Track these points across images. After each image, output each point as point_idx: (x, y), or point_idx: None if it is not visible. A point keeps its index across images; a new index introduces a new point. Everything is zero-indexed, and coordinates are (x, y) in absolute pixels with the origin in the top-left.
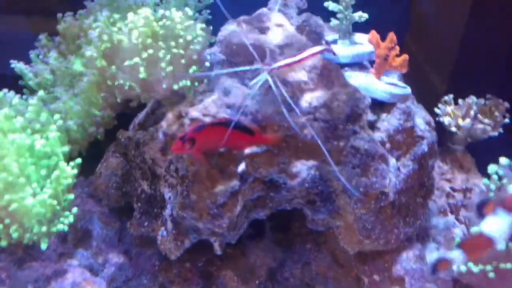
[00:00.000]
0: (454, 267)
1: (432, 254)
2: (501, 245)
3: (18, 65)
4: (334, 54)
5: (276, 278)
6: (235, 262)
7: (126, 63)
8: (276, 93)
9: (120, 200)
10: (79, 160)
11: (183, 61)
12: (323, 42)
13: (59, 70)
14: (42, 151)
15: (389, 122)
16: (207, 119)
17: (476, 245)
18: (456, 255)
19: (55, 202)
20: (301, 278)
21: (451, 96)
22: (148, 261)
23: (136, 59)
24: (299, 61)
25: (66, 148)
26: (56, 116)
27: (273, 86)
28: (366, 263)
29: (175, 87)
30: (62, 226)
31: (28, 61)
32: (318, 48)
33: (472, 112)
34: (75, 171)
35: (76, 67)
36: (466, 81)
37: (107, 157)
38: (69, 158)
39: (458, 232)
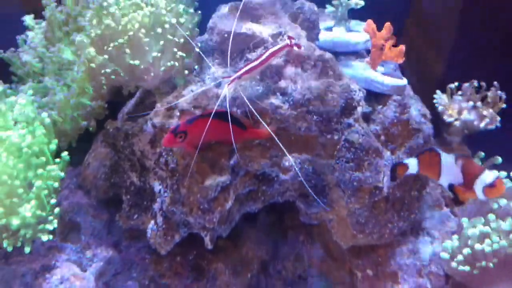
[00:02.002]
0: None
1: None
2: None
3: (5, 55)
4: (299, 48)
5: (269, 271)
6: (226, 255)
7: (112, 45)
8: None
9: (108, 191)
10: (67, 157)
11: (171, 47)
12: (286, 36)
13: (48, 58)
14: (29, 152)
15: (384, 114)
16: (197, 111)
17: (428, 161)
18: (412, 162)
19: (40, 212)
20: (293, 271)
21: (453, 84)
22: (138, 254)
23: (121, 40)
24: (260, 64)
25: (54, 146)
26: (44, 113)
27: (227, 101)
28: (360, 257)
29: (162, 68)
30: (46, 236)
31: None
32: (279, 46)
33: (470, 103)
34: (62, 174)
35: (67, 56)
36: (465, 67)
37: (95, 147)
38: (58, 151)
39: (453, 225)
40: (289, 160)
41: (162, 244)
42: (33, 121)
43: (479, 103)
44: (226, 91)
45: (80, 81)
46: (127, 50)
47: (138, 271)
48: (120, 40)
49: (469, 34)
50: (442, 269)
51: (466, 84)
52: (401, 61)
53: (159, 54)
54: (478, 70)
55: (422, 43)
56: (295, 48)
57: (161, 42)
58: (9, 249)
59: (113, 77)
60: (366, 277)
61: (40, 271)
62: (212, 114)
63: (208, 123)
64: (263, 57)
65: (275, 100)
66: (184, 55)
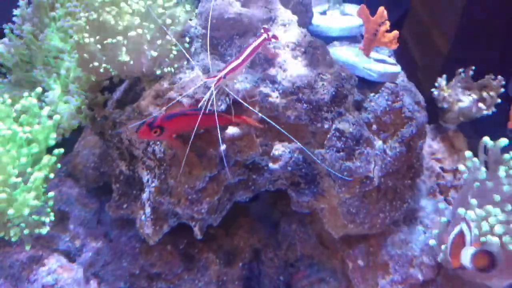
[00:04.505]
0: None
1: None
2: None
3: None
4: (277, 39)
5: (261, 259)
6: (218, 244)
7: (108, 40)
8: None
9: (98, 180)
10: (61, 150)
11: (162, 42)
12: (262, 29)
13: (36, 45)
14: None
15: (376, 102)
16: (185, 100)
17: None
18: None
19: (37, 202)
20: (286, 259)
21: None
22: (128, 243)
23: (119, 37)
24: (243, 62)
25: (53, 141)
26: (50, 113)
27: (215, 100)
28: (351, 246)
29: (158, 72)
30: (43, 229)
31: None
32: (258, 41)
33: (468, 90)
34: (57, 166)
35: (55, 43)
36: (470, 47)
37: (85, 134)
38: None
39: (446, 213)
40: (279, 149)
41: (151, 234)
42: (35, 117)
43: (476, 91)
44: (212, 91)
45: (80, 76)
46: (123, 49)
47: (129, 261)
48: (119, 38)
49: (474, 17)
50: (434, 260)
51: (464, 71)
52: (394, 47)
53: (153, 53)
54: (482, 54)
55: (425, 27)
56: (273, 39)
57: (155, 35)
58: (13, 239)
59: (101, 70)
60: (357, 267)
61: (27, 263)
62: (193, 111)
63: (189, 118)
64: (245, 54)
65: (264, 89)
66: (175, 49)
